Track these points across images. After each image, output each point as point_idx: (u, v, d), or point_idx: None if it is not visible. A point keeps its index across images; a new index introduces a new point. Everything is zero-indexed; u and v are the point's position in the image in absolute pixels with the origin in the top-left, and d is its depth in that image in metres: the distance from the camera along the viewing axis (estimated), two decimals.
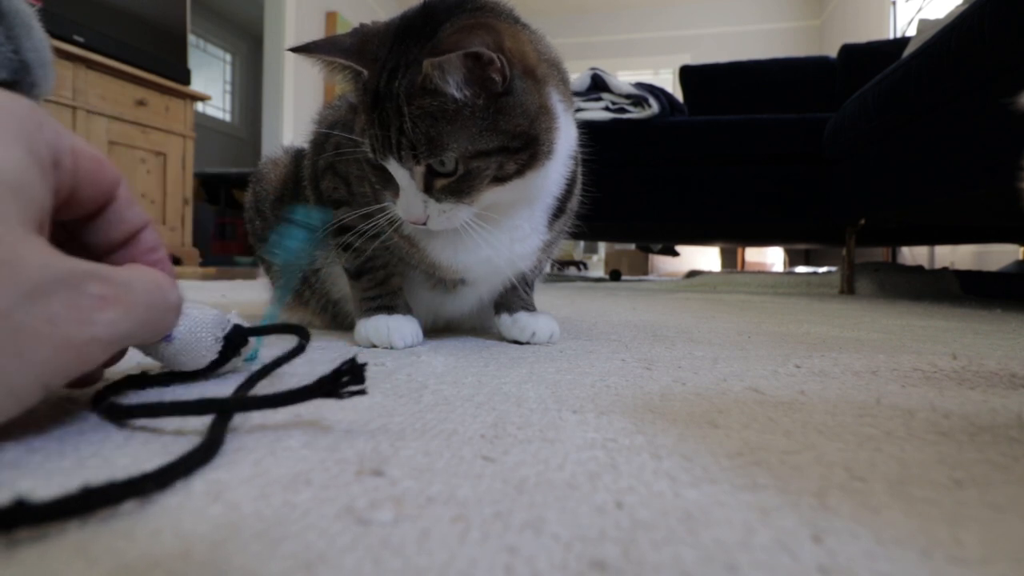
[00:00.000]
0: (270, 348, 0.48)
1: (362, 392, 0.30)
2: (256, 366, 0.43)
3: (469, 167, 0.50)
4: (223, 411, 0.29)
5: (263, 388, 0.37)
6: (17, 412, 0.23)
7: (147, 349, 0.37)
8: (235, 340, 0.41)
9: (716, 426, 0.33)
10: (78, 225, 0.31)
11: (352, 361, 0.30)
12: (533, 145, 0.52)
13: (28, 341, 0.22)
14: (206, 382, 0.41)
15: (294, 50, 0.52)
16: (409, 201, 0.52)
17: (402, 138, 0.49)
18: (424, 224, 0.53)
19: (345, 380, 0.30)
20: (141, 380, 0.38)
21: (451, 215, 0.53)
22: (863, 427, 0.33)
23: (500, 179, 0.52)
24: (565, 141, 0.58)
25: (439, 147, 0.49)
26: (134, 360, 0.44)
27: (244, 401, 0.30)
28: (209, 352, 0.40)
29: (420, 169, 0.51)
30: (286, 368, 0.44)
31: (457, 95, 0.48)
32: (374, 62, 0.51)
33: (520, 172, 0.53)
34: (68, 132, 0.28)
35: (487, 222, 0.56)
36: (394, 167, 0.52)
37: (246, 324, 0.43)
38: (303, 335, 0.41)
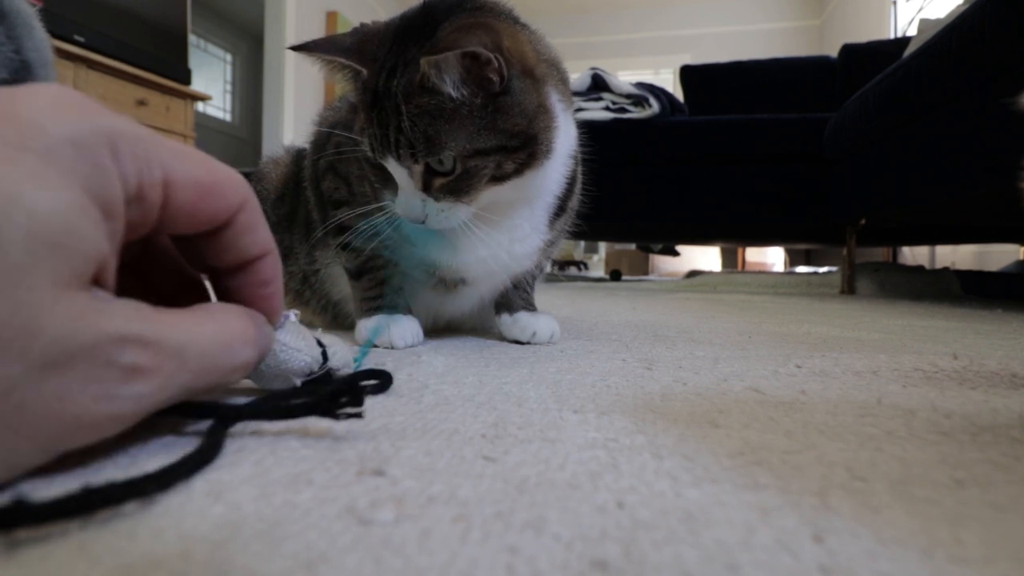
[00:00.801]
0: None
1: (359, 416, 0.29)
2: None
3: (467, 166, 0.50)
4: (221, 419, 0.28)
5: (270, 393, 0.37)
6: (6, 478, 0.21)
7: None
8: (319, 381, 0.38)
9: (717, 426, 0.33)
10: (200, 239, 0.28)
11: (352, 381, 0.30)
12: (531, 144, 0.52)
13: (30, 417, 0.19)
14: None
15: (294, 48, 0.52)
16: (408, 200, 0.52)
17: (400, 137, 0.49)
18: (423, 223, 0.53)
19: (343, 400, 0.29)
20: None
21: (450, 214, 0.53)
22: (864, 427, 0.33)
23: (498, 178, 0.52)
24: (564, 140, 0.58)
25: (437, 146, 0.49)
26: None
27: (240, 411, 0.30)
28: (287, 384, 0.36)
29: (418, 168, 0.51)
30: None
31: (454, 94, 0.48)
32: (373, 61, 0.51)
33: (519, 171, 0.53)
34: (172, 155, 0.24)
35: (486, 222, 0.56)
36: (393, 166, 0.52)
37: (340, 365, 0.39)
38: (386, 379, 0.39)
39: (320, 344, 0.37)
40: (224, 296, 0.30)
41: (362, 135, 0.53)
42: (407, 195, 0.52)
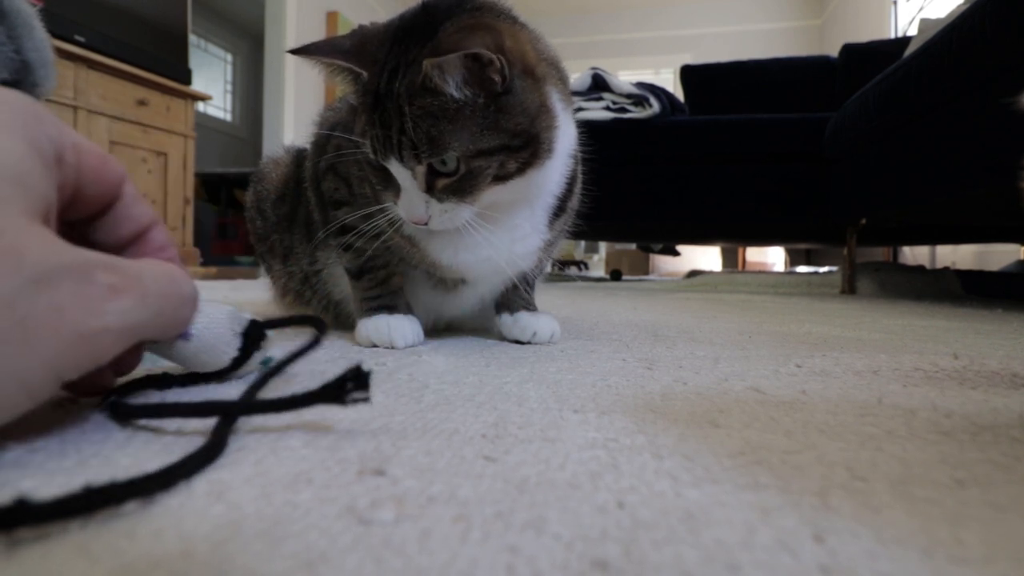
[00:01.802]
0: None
1: (366, 400, 0.30)
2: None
3: (471, 166, 0.50)
4: (227, 414, 0.29)
5: (272, 387, 0.37)
6: (30, 406, 0.22)
7: (165, 350, 0.36)
8: (253, 335, 0.40)
9: (717, 426, 0.33)
10: (86, 225, 0.31)
11: (357, 368, 0.30)
12: (534, 144, 0.52)
13: (35, 331, 0.21)
14: (217, 384, 0.40)
15: (294, 52, 0.52)
16: (411, 201, 0.52)
17: (403, 138, 0.49)
18: (426, 224, 0.53)
19: (350, 386, 0.30)
20: (157, 381, 0.38)
21: (453, 215, 0.53)
22: (864, 427, 0.33)
23: (501, 178, 0.52)
24: (565, 140, 0.58)
25: (440, 146, 0.49)
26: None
27: (248, 405, 0.30)
28: (229, 348, 0.38)
29: (422, 169, 0.51)
30: (289, 367, 0.43)
31: (457, 95, 0.48)
32: (374, 63, 0.51)
33: (521, 171, 0.53)
34: (69, 128, 0.28)
35: (488, 222, 0.56)
36: (396, 167, 0.51)
37: (260, 319, 0.42)
38: (319, 327, 0.40)
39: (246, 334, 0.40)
40: None
41: (364, 137, 0.53)
42: (410, 196, 0.52)
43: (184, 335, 0.35)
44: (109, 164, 0.29)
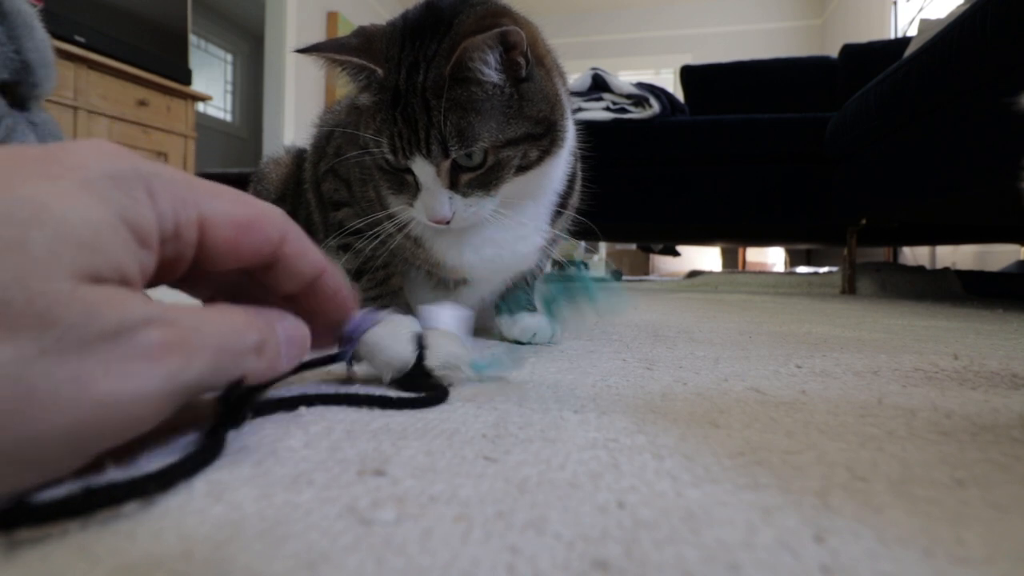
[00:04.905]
0: None
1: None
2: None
3: (499, 156, 0.50)
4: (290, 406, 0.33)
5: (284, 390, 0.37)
6: (40, 481, 0.21)
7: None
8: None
9: (718, 426, 0.33)
10: (250, 275, 0.30)
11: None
12: (552, 131, 0.53)
13: (44, 403, 0.19)
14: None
15: (301, 51, 0.51)
16: (434, 200, 0.52)
17: (431, 132, 0.49)
18: (447, 224, 0.52)
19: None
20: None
21: (478, 208, 0.53)
22: (865, 427, 0.33)
23: (523, 168, 0.53)
24: (569, 135, 0.58)
25: (470, 138, 0.49)
26: None
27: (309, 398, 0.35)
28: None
29: (446, 165, 0.50)
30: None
31: (492, 78, 0.48)
32: (386, 61, 0.50)
33: (540, 159, 0.53)
34: (210, 198, 0.26)
35: (494, 219, 0.56)
36: (420, 165, 0.51)
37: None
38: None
39: (420, 344, 0.41)
40: (304, 315, 0.32)
41: (380, 136, 0.51)
42: (432, 195, 0.51)
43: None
44: (251, 232, 0.28)
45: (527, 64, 0.50)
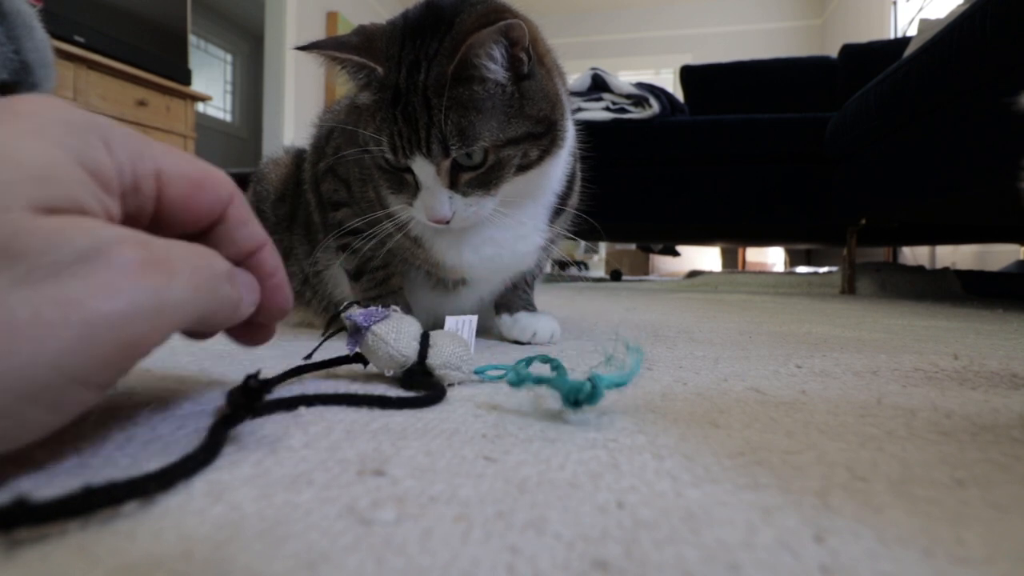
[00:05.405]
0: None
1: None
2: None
3: (500, 156, 0.50)
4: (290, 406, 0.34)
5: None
6: (49, 417, 0.20)
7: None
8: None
9: (717, 426, 0.33)
10: (192, 238, 0.29)
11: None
12: (553, 130, 0.53)
13: (28, 333, 0.19)
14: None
15: (302, 48, 0.51)
16: (434, 199, 0.51)
17: (432, 131, 0.49)
18: (447, 223, 0.52)
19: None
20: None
21: (478, 208, 0.53)
22: (865, 427, 0.33)
23: (523, 167, 0.53)
24: (569, 135, 0.58)
25: (471, 137, 0.49)
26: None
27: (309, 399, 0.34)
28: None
29: (446, 164, 0.50)
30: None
31: (496, 75, 0.48)
32: (386, 59, 0.50)
33: (541, 158, 0.53)
34: (164, 155, 0.26)
35: (494, 219, 0.56)
36: (419, 164, 0.51)
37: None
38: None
39: (425, 342, 0.41)
40: None
41: (380, 134, 0.51)
42: (431, 194, 0.51)
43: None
44: (205, 192, 0.27)
45: (529, 60, 0.50)
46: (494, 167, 0.51)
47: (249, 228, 0.30)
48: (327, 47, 0.51)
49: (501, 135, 0.50)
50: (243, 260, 0.30)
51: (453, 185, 0.51)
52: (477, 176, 0.51)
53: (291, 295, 0.33)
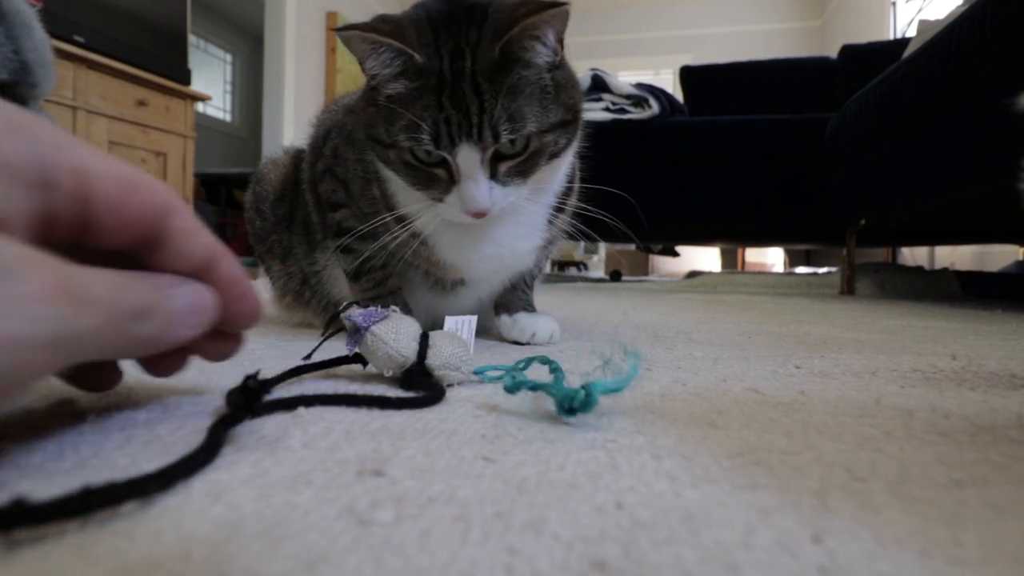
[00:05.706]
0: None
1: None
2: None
3: (542, 142, 0.50)
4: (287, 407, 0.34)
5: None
6: None
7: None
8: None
9: (716, 426, 0.33)
10: (139, 255, 0.28)
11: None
12: (577, 119, 0.53)
13: None
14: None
15: (340, 29, 0.48)
16: (476, 189, 0.50)
17: (484, 117, 0.48)
18: (483, 215, 0.52)
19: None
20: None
21: (514, 198, 0.53)
22: (863, 427, 0.33)
23: (554, 155, 0.53)
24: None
25: (520, 123, 0.49)
26: None
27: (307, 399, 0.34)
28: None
29: (490, 152, 0.50)
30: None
31: (544, 58, 0.49)
32: (421, 47, 0.49)
33: (566, 147, 0.54)
34: (91, 153, 0.25)
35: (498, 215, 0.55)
36: (466, 152, 0.49)
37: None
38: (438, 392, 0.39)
39: (424, 342, 0.41)
40: None
41: (422, 122, 0.49)
42: (474, 184, 0.50)
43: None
44: (137, 194, 0.26)
45: (562, 46, 0.50)
46: (534, 154, 0.51)
47: (198, 239, 0.28)
48: (367, 30, 0.48)
49: (544, 121, 0.50)
50: (199, 273, 0.29)
51: (494, 175, 0.51)
52: (517, 164, 0.51)
53: (258, 302, 0.31)
